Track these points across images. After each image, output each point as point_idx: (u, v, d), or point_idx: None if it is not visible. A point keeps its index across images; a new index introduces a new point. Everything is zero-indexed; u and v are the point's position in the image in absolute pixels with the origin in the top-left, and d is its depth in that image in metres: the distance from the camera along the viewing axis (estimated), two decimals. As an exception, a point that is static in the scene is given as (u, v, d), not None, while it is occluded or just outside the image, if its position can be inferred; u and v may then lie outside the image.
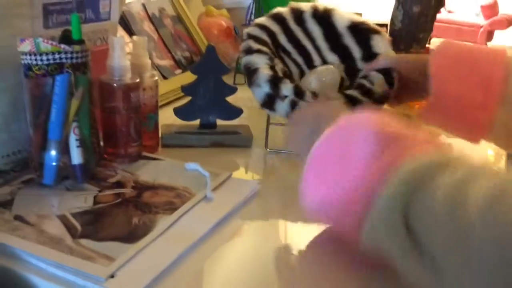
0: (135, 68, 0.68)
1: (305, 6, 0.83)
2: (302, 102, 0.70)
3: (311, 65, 0.82)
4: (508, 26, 1.26)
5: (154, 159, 0.70)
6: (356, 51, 0.80)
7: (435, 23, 1.01)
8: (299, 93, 0.70)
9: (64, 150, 0.60)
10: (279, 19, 0.82)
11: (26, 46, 0.55)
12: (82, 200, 0.58)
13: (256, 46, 0.76)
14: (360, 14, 1.13)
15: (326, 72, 0.78)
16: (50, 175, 0.60)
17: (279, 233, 0.59)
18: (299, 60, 0.81)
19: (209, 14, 1.21)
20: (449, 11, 1.33)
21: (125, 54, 0.64)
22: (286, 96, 0.70)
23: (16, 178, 0.62)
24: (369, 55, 0.79)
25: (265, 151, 0.78)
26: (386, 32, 1.00)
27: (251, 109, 0.78)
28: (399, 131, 0.47)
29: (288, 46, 0.81)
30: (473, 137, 0.67)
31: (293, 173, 0.73)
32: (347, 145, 0.48)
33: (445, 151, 0.44)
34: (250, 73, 0.73)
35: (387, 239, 0.44)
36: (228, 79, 0.82)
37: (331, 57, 0.82)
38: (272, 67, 0.74)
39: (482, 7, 1.30)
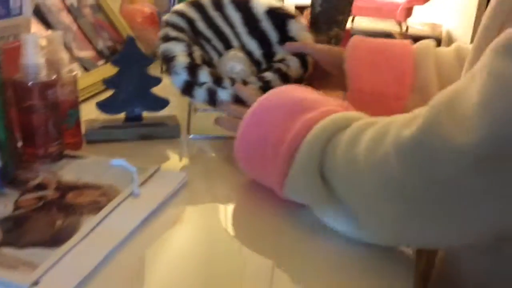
0: (51, 64, 0.66)
1: None
2: (220, 88, 0.71)
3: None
4: (425, 1, 1.31)
5: (78, 157, 0.69)
6: (273, 36, 0.83)
7: (356, 3, 1.04)
8: (216, 79, 0.72)
9: (-21, 154, 0.58)
10: (198, 5, 0.82)
11: None
12: (1, 206, 0.56)
13: (173, 33, 0.76)
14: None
15: (236, 59, 0.79)
16: (-34, 183, 0.57)
17: (210, 220, 0.60)
18: (219, 46, 0.82)
19: (131, 1, 1.18)
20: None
21: (38, 51, 0.62)
22: (204, 83, 0.71)
23: None
24: (285, 39, 0.82)
25: (187, 138, 0.79)
26: (308, 14, 1.03)
27: (179, 97, 0.78)
28: (315, 97, 0.58)
29: (208, 33, 0.82)
30: None
31: (218, 155, 0.75)
32: (270, 114, 0.58)
33: (346, 116, 0.54)
34: (168, 61, 0.73)
35: (305, 188, 0.53)
36: (155, 67, 0.81)
37: (250, 42, 0.84)
38: (190, 55, 0.75)
39: (399, -15, 1.35)
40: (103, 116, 0.78)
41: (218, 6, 0.83)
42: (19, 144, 0.66)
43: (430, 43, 0.76)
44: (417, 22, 1.50)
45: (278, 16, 0.83)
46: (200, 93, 0.73)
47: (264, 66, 0.83)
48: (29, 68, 0.62)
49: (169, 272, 0.49)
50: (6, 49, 0.66)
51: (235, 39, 0.84)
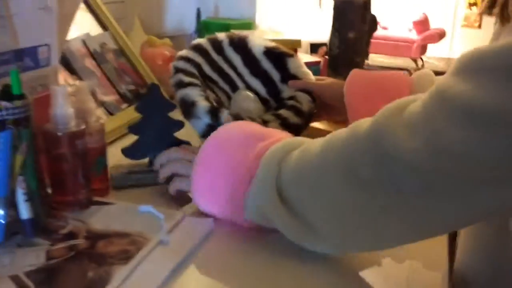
0: (79, 113, 0.67)
1: (221, 36, 0.88)
2: None
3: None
4: (439, 39, 1.33)
5: (106, 203, 0.69)
6: (275, 74, 0.87)
7: (373, 40, 1.06)
8: (237, 120, 0.76)
9: (11, 205, 0.59)
10: (200, 50, 0.84)
11: (-35, 105, 0.53)
12: (33, 256, 0.57)
13: (187, 79, 0.78)
14: (279, 33, 1.19)
15: (246, 99, 0.83)
16: (-1, 234, 0.58)
17: (239, 266, 0.59)
18: (226, 88, 0.85)
19: (151, 44, 1.21)
20: (384, 27, 1.38)
21: (68, 102, 0.63)
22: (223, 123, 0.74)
23: (-39, 238, 0.60)
24: (287, 76, 0.86)
25: None
26: (323, 52, 1.06)
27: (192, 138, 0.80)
28: (264, 130, 0.64)
29: (214, 76, 0.84)
30: None
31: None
32: (228, 143, 0.62)
33: (298, 139, 0.60)
34: (188, 106, 0.75)
35: (266, 210, 0.57)
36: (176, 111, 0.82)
37: (254, 82, 0.88)
38: (207, 98, 0.76)
39: (414, 22, 1.37)
40: (127, 160, 0.79)
41: (219, 50, 0.86)
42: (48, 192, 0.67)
43: (428, 72, 0.79)
44: (433, 56, 1.51)
45: (276, 55, 0.88)
46: None
47: (271, 103, 0.85)
48: (59, 119, 0.63)
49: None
50: (36, 99, 0.67)
51: (239, 80, 0.87)
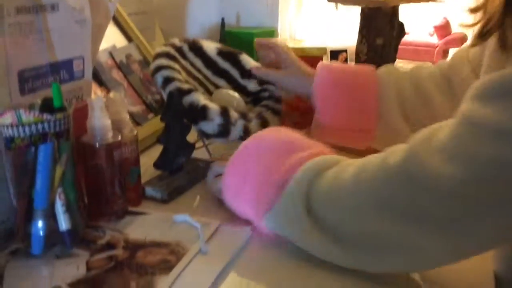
0: (114, 124, 0.67)
1: (179, 41, 0.89)
2: (250, 123, 0.80)
3: (210, 93, 0.91)
4: (462, 43, 1.32)
5: (140, 213, 0.70)
6: (234, 72, 0.92)
7: (394, 47, 1.05)
8: (242, 115, 0.80)
9: (50, 216, 0.59)
10: (172, 57, 0.86)
11: (7, 118, 0.54)
12: (74, 267, 0.57)
13: (185, 86, 0.79)
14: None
15: (230, 95, 0.88)
16: (39, 245, 0.58)
17: (279, 275, 0.59)
18: (201, 90, 0.87)
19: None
20: (405, 33, 1.38)
21: (105, 114, 0.64)
22: (235, 121, 0.78)
23: (2, 250, 0.60)
24: (245, 72, 0.92)
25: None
26: (343, 58, 1.08)
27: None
28: (303, 141, 0.63)
29: (190, 80, 0.85)
30: (360, 146, 0.83)
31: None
32: (263, 149, 0.63)
33: (333, 158, 0.59)
34: (199, 111, 0.76)
35: (290, 218, 0.57)
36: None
37: (219, 81, 0.93)
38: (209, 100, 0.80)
39: (435, 27, 1.36)
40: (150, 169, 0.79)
41: (183, 55, 0.88)
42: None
43: (391, 67, 0.79)
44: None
45: (228, 54, 0.93)
46: (236, 131, 0.78)
47: (245, 98, 0.90)
48: (96, 130, 0.64)
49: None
50: (72, 111, 0.68)
51: (207, 81, 0.91)
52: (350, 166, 0.56)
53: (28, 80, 0.62)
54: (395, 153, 0.51)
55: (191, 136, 0.81)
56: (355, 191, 0.53)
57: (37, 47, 0.62)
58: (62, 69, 0.67)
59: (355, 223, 0.53)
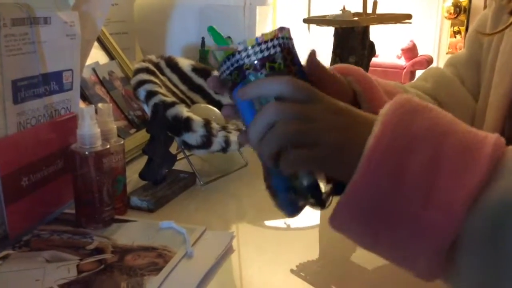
0: (102, 134, 0.70)
1: (155, 58, 0.96)
2: (230, 134, 0.82)
3: (188, 107, 0.93)
4: (427, 65, 1.40)
5: (126, 221, 0.72)
6: (207, 87, 0.95)
7: (365, 67, 1.11)
8: (223, 127, 0.83)
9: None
10: (152, 72, 0.90)
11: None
12: (65, 270, 0.59)
13: (168, 99, 0.83)
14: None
15: (207, 110, 0.91)
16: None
17: (264, 275, 0.62)
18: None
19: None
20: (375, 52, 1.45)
21: (95, 123, 0.67)
22: (217, 133, 0.81)
23: (-9, 255, 0.62)
24: None
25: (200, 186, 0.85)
26: None
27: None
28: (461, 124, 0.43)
29: (169, 94, 0.90)
30: None
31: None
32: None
33: None
34: (183, 123, 0.79)
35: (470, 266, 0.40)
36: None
37: (195, 96, 0.98)
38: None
39: (402, 50, 1.44)
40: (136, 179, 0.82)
41: (161, 71, 0.93)
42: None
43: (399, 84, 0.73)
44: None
45: (202, 71, 0.99)
46: (218, 142, 0.81)
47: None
48: (86, 138, 0.66)
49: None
50: (59, 121, 0.71)
51: (184, 96, 0.96)
52: None
53: (20, 89, 0.64)
54: None
55: (172, 148, 0.84)
56: None
57: (30, 58, 0.65)
58: (53, 81, 0.70)
59: None
